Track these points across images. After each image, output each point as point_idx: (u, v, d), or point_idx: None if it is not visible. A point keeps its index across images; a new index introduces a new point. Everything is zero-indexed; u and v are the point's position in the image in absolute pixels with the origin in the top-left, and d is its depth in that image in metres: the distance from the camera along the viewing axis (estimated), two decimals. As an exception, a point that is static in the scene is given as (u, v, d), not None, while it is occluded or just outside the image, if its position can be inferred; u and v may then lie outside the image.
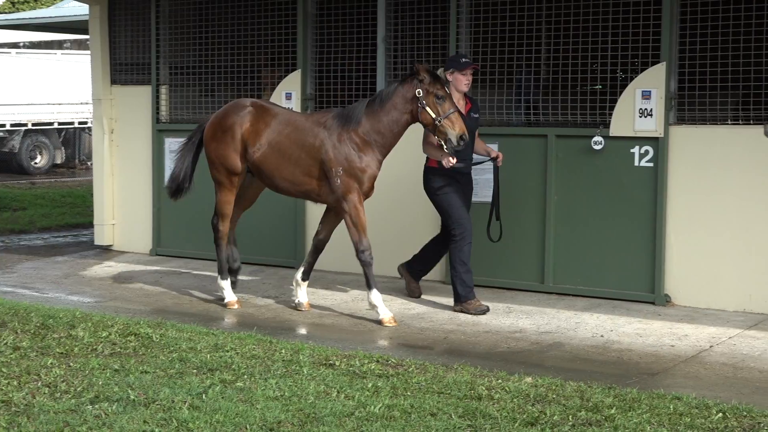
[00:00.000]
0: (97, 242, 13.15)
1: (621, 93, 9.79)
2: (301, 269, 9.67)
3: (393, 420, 6.01)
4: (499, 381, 6.90)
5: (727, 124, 9.41)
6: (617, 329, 8.74)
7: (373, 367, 7.21)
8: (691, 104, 9.59)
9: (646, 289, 9.69)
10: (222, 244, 9.86)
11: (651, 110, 9.59)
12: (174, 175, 10.09)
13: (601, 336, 8.53)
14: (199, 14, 12.53)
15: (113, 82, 13.07)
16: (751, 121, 9.27)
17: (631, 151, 9.72)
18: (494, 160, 9.51)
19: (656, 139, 9.58)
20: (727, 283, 9.31)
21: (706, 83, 9.48)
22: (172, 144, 12.33)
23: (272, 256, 11.81)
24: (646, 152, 9.64)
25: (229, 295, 9.88)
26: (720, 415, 6.16)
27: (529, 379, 6.95)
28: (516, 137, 10.36)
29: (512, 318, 9.20)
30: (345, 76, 11.37)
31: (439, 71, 9.14)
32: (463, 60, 9.45)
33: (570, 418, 6.09)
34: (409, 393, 6.58)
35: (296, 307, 9.64)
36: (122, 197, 13.07)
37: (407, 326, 8.97)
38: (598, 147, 9.79)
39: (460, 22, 10.58)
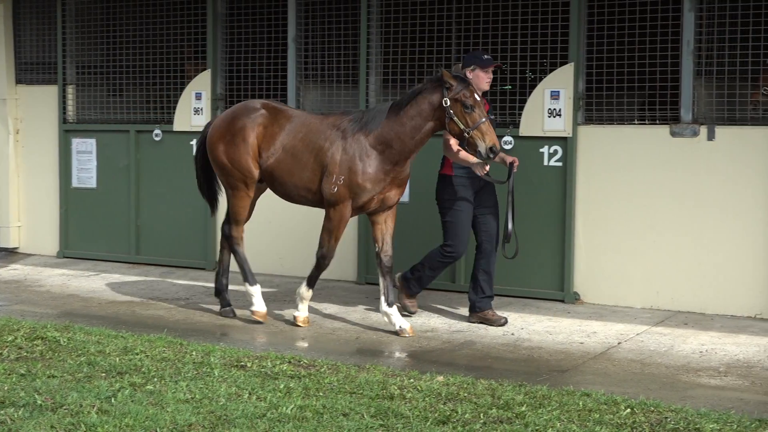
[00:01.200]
0: (2, 245, 12.88)
1: (530, 93, 9.88)
2: (382, 299, 8.67)
3: (305, 421, 5.98)
4: (411, 380, 6.91)
5: (634, 123, 9.55)
6: (528, 327, 8.82)
7: (285, 368, 7.18)
8: (599, 104, 9.73)
9: (555, 288, 9.80)
10: (240, 250, 9.16)
11: (560, 110, 9.70)
12: (199, 185, 9.67)
13: (512, 334, 8.59)
14: (106, 13, 12.37)
15: (18, 81, 12.84)
16: (657, 121, 9.42)
17: (541, 150, 9.82)
18: (511, 165, 8.67)
19: (565, 138, 9.69)
20: (635, 281, 9.45)
21: (614, 83, 9.61)
22: (79, 144, 12.18)
23: (182, 258, 11.69)
24: (555, 152, 9.75)
25: (259, 304, 9.08)
26: (628, 410, 6.24)
27: (440, 378, 6.97)
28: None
29: (424, 317, 9.23)
30: (256, 75, 11.31)
31: (455, 67, 8.71)
32: (486, 57, 8.80)
33: (481, 416, 6.12)
34: (321, 393, 6.56)
35: (399, 333, 8.58)
36: (28, 199, 12.84)
37: (319, 326, 8.95)
38: (507, 147, 9.86)
39: (371, 22, 10.59)
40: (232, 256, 9.30)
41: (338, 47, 10.95)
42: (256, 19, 11.35)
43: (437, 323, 9.02)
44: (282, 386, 6.67)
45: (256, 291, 9.07)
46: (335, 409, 6.18)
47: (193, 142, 10.91)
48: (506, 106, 10.13)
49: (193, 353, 7.55)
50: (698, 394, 6.85)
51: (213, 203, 9.72)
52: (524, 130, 9.87)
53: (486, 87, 8.74)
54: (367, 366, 7.32)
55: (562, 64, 9.75)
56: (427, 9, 10.43)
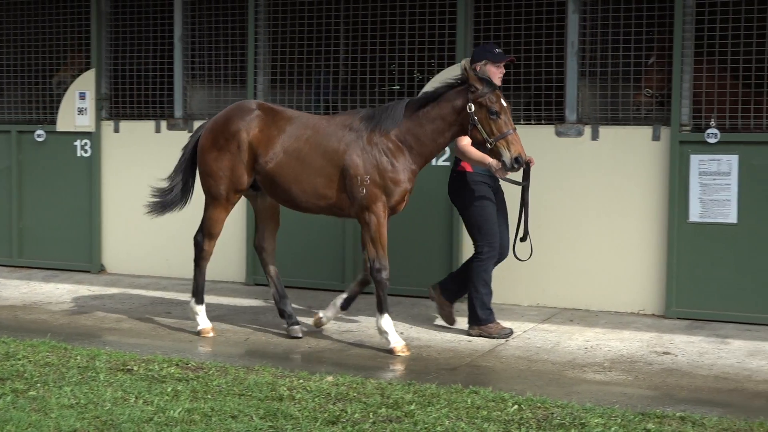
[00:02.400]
0: None
1: (418, 93, 9.90)
2: (340, 298, 8.54)
3: (193, 424, 5.92)
4: (301, 381, 6.88)
5: (520, 123, 9.64)
6: (417, 326, 8.85)
7: (172, 370, 7.09)
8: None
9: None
10: (203, 265, 8.59)
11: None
12: (164, 189, 8.73)
13: (401, 333, 8.60)
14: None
15: None
16: (543, 121, 9.54)
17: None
18: (527, 165, 8.10)
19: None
20: (522, 279, 9.54)
21: (501, 84, 9.69)
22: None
23: (66, 260, 11.46)
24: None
25: (204, 321, 8.63)
26: (516, 407, 6.31)
27: (330, 378, 6.96)
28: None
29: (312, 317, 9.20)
30: (142, 75, 11.15)
31: (464, 62, 8.40)
32: (498, 51, 8.34)
33: (371, 416, 6.12)
34: (209, 396, 6.50)
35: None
36: None
37: (208, 329, 8.86)
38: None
39: (258, 22, 10.52)
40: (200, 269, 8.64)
41: (225, 47, 10.85)
42: (141, 18, 11.19)
43: (328, 323, 8.99)
44: (169, 389, 6.59)
45: (201, 309, 8.64)
46: (224, 412, 6.13)
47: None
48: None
49: (78, 357, 7.41)
50: (584, 390, 6.96)
51: (166, 209, 8.76)
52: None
53: (498, 83, 8.19)
54: (257, 367, 7.27)
55: (450, 64, 9.79)
56: (315, 9, 10.40)
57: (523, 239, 8.32)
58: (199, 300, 8.63)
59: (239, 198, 8.52)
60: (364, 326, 8.87)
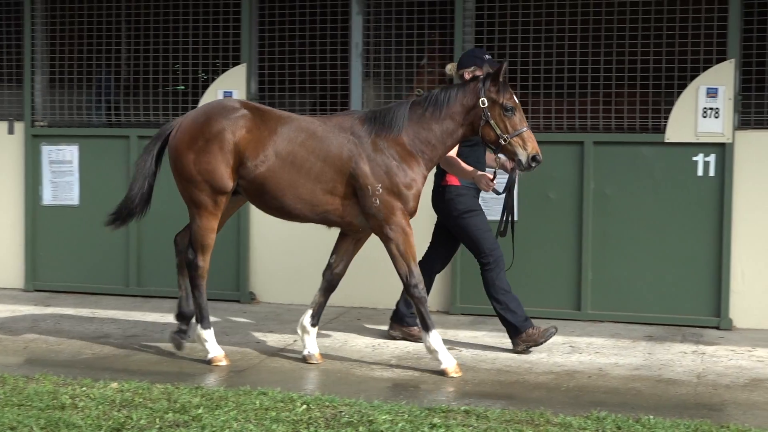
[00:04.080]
0: None
1: (203, 94, 9.81)
2: (309, 312, 7.78)
3: (-32, 437, 5.67)
4: (84, 388, 6.68)
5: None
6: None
7: (-55, 382, 6.76)
8: (271, 105, 9.76)
9: (231, 288, 9.79)
10: (202, 285, 7.67)
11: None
12: (129, 197, 7.78)
13: (188, 336, 8.48)
14: None
15: None
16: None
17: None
18: (512, 171, 7.79)
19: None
20: (312, 279, 9.53)
21: (286, 84, 9.73)
22: None
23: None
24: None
25: (214, 349, 7.74)
26: (304, 406, 6.31)
27: (114, 385, 6.78)
28: (97, 138, 10.13)
29: (96, 323, 8.96)
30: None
31: (449, 67, 8.05)
32: (488, 57, 7.99)
33: (157, 421, 6.00)
34: (-14, 407, 6.23)
35: (306, 359, 7.72)
36: None
37: (-16, 337, 8.51)
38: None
39: (35, 18, 10.19)
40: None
41: (0, 44, 10.45)
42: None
43: (111, 329, 8.78)
44: (-58, 402, 6.29)
45: (209, 335, 7.75)
46: (2, 423, 5.88)
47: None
48: (179, 106, 10.01)
49: None
50: (372, 387, 7.02)
51: (129, 219, 7.91)
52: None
53: None
54: (37, 376, 7.02)
55: (235, 64, 9.75)
56: (95, 5, 10.15)
57: (503, 234, 7.93)
58: (206, 324, 7.74)
59: (227, 201, 7.59)
60: (150, 330, 8.71)
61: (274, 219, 9.43)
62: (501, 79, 7.22)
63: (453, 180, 7.96)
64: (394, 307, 8.65)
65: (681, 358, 7.81)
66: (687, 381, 7.21)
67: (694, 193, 8.78)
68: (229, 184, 7.43)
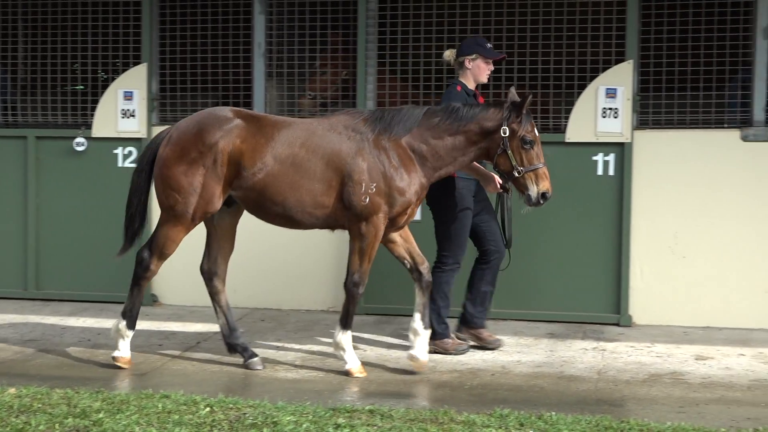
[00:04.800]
0: None
1: (103, 93, 9.67)
2: (417, 314, 7.42)
3: None
4: (-20, 394, 6.54)
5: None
6: (105, 332, 8.60)
7: None
8: (173, 105, 9.70)
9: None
10: (143, 286, 7.58)
11: (134, 111, 9.57)
12: (129, 216, 7.63)
13: (89, 340, 8.36)
14: None
15: None
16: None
17: (115, 152, 9.64)
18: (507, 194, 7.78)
19: (140, 139, 9.56)
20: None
21: (188, 84, 9.64)
22: None
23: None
24: (130, 153, 9.61)
25: (125, 349, 7.56)
26: (207, 409, 6.26)
27: (12, 390, 6.64)
28: (-6, 139, 9.93)
29: (-6, 328, 8.79)
30: None
31: (447, 53, 7.86)
32: (489, 46, 7.81)
33: (57, 426, 5.89)
34: None
35: (411, 358, 7.41)
36: None
37: None
38: (80, 148, 9.61)
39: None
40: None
41: None
42: None
43: (8, 333, 8.60)
44: None
45: (130, 334, 7.57)
46: None
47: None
48: (78, 107, 9.86)
49: None
50: (276, 388, 6.99)
51: (134, 239, 7.70)
52: (98, 131, 9.65)
53: (485, 80, 7.90)
54: (-73, 385, 6.85)
55: (135, 64, 9.63)
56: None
57: (508, 245, 8.00)
58: (131, 324, 7.56)
59: (202, 220, 7.44)
60: (50, 334, 8.56)
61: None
62: (524, 111, 7.08)
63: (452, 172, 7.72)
64: (291, 308, 8.65)
65: (582, 355, 7.91)
66: (588, 377, 7.32)
67: (594, 192, 8.92)
68: (217, 202, 7.28)
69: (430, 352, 7.69)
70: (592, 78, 8.88)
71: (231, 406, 6.35)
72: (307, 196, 7.21)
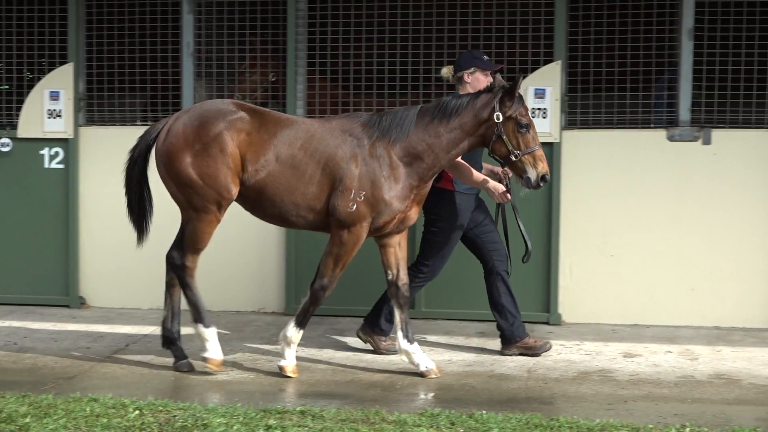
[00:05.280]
0: None
1: (28, 93, 9.54)
2: (400, 334, 7.39)
3: None
4: None
5: (137, 124, 9.50)
6: (31, 335, 8.50)
7: None
8: (101, 105, 9.60)
9: (59, 293, 9.55)
10: (193, 283, 7.37)
11: (60, 111, 9.46)
12: (131, 208, 7.57)
13: (15, 344, 8.23)
14: None
15: None
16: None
17: (41, 152, 9.51)
18: (505, 175, 7.62)
19: (67, 140, 9.45)
20: (143, 282, 9.41)
21: (115, 84, 9.55)
22: None
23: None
24: (57, 153, 9.49)
25: (215, 350, 7.38)
26: (137, 412, 6.20)
27: (-64, 395, 6.53)
28: None
29: None
30: None
31: (445, 70, 7.74)
32: (486, 59, 7.76)
33: (-18, 432, 5.81)
34: None
35: (425, 374, 7.32)
36: None
37: None
38: (5, 149, 9.47)
39: None
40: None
41: None
42: None
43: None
44: None
45: (211, 334, 7.39)
46: None
47: None
48: (2, 107, 9.72)
49: None
50: (206, 390, 6.96)
51: (143, 229, 7.64)
52: (23, 131, 9.51)
53: None
54: None
55: (62, 63, 9.51)
56: None
57: (526, 258, 7.87)
58: (207, 322, 7.39)
59: (228, 207, 7.27)
60: (-19, 339, 8.44)
61: (103, 222, 9.28)
62: (516, 94, 7.07)
63: (448, 184, 7.71)
64: (221, 309, 8.58)
65: (512, 354, 7.96)
66: (518, 376, 7.37)
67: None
68: (234, 187, 7.14)
69: (364, 340, 7.88)
70: (524, 77, 8.93)
71: (161, 408, 6.30)
72: (302, 199, 7.14)
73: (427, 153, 7.12)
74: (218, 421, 6.01)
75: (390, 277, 7.45)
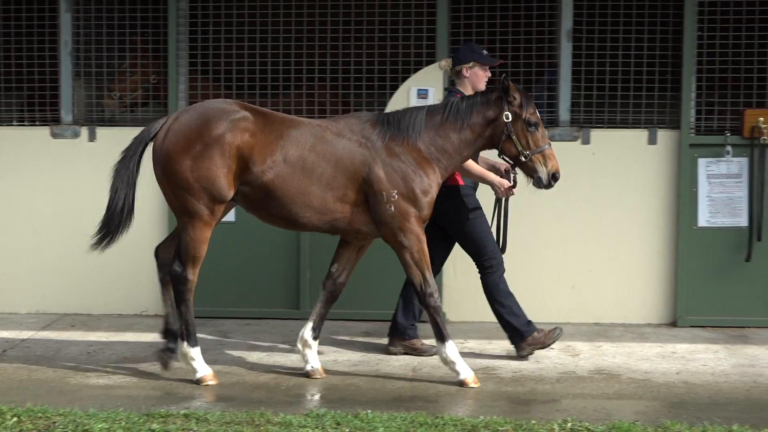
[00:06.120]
0: None
1: None
2: (310, 324, 7.38)
3: None
4: None
5: (13, 125, 9.31)
6: None
7: None
8: None
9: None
10: (190, 300, 7.13)
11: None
12: (114, 208, 7.15)
13: None
14: None
15: None
16: (38, 123, 9.28)
17: None
18: (507, 173, 7.65)
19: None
20: (21, 285, 9.22)
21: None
22: None
23: None
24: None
25: (202, 368, 7.20)
26: (15, 419, 6.08)
27: None
28: None
29: None
30: None
31: (442, 63, 7.73)
32: (485, 53, 7.70)
33: None
34: None
35: (309, 374, 7.31)
36: None
37: None
38: None
39: None
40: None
41: None
42: None
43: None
44: None
45: (197, 353, 7.20)
46: None
47: None
48: None
49: None
50: (87, 395, 6.84)
51: (116, 236, 7.31)
52: None
53: (483, 87, 7.62)
54: None
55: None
56: None
57: (502, 250, 7.85)
58: (193, 342, 7.20)
59: (224, 210, 7.11)
60: None
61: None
62: (526, 94, 7.11)
63: (455, 181, 7.66)
64: (102, 312, 8.45)
65: (397, 353, 7.99)
66: (403, 375, 7.41)
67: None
68: (229, 193, 6.97)
69: (529, 353, 7.79)
70: (404, 79, 8.99)
71: (40, 415, 6.18)
72: (318, 202, 7.01)
73: (441, 154, 7.12)
74: (100, 426, 5.93)
75: (334, 269, 7.43)
